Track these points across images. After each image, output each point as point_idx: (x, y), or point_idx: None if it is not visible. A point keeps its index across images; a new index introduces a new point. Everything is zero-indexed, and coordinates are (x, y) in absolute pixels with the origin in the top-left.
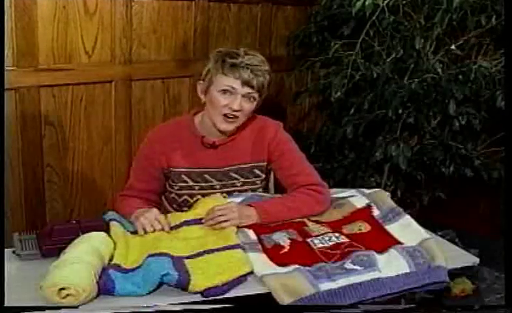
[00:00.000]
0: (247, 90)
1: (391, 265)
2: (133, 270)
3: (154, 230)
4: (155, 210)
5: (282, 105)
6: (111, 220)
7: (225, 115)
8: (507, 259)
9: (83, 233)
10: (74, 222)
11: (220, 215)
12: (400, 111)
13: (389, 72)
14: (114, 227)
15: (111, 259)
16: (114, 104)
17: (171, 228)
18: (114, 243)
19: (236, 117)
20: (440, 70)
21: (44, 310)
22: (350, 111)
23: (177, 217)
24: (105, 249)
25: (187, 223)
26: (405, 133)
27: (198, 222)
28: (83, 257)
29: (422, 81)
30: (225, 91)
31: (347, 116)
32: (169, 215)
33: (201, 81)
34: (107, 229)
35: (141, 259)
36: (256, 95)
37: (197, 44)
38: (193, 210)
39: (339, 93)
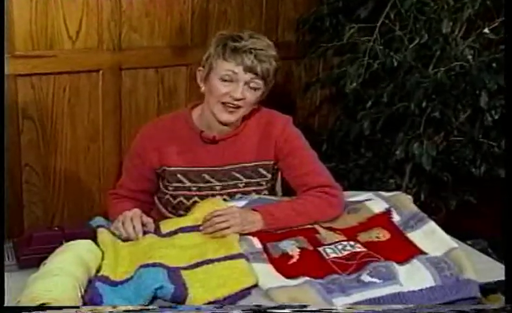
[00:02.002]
0: (250, 76)
1: (413, 278)
2: (122, 282)
3: (133, 224)
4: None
5: (290, 98)
6: (98, 226)
7: (224, 103)
8: (507, 258)
9: (67, 241)
10: (56, 228)
11: (221, 221)
12: (424, 104)
13: (412, 59)
14: (102, 234)
15: (98, 271)
16: (102, 95)
17: (165, 235)
18: (102, 252)
19: (238, 106)
20: (470, 58)
21: (44, 310)
22: (367, 104)
23: (172, 223)
24: (92, 259)
25: (183, 229)
26: (429, 129)
27: (196, 228)
28: (66, 268)
29: (449, 70)
30: (225, 78)
31: (364, 110)
32: (162, 222)
33: (201, 68)
34: (93, 237)
35: (132, 270)
36: (260, 83)
37: (195, 29)
38: (190, 215)
39: (354, 84)
